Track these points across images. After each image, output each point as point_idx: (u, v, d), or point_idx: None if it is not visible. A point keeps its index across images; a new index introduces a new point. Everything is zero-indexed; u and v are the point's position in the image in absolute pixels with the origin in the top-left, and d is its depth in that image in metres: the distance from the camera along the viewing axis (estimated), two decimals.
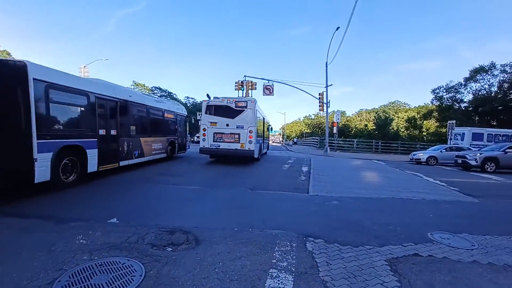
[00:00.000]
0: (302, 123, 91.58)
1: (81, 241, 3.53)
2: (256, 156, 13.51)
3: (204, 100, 13.33)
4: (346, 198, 6.76)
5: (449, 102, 39.00)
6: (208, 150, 12.94)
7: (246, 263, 3.08)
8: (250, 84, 22.53)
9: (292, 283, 2.71)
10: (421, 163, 18.06)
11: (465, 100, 38.11)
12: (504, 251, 3.73)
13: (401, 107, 67.97)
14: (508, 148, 14.24)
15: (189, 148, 17.48)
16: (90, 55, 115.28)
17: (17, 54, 52.95)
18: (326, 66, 24.51)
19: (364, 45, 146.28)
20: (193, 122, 18.27)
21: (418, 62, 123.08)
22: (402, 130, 46.95)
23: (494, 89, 34.67)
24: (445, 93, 39.11)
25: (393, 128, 44.98)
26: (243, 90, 22.35)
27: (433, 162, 17.91)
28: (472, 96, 36.93)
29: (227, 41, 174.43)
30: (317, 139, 37.16)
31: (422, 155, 18.51)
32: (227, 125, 12.74)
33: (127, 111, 9.75)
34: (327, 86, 24.43)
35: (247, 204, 5.93)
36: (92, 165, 7.79)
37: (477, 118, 35.93)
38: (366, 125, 53.47)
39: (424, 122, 45.20)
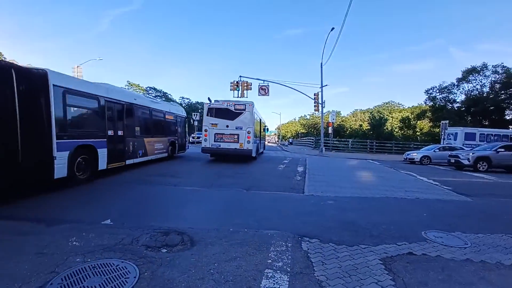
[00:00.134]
0: (297, 123, 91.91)
1: (74, 243, 3.49)
2: (253, 155, 14.50)
3: (205, 103, 14.27)
4: (341, 198, 6.79)
5: (442, 103, 39.54)
6: (209, 149, 13.86)
7: (242, 264, 3.07)
8: (245, 84, 22.50)
9: (288, 283, 2.71)
10: (415, 162, 18.24)
11: (457, 100, 38.74)
12: (496, 249, 3.78)
13: (395, 108, 68.66)
14: (500, 147, 14.49)
15: (188, 148, 18.00)
16: (84, 55, 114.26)
17: (9, 53, 52.15)
18: (321, 67, 24.63)
19: (358, 46, 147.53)
20: (191, 123, 18.45)
21: (412, 63, 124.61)
22: (396, 130, 47.42)
23: (486, 89, 35.28)
24: (438, 94, 39.67)
25: (387, 128, 45.38)
26: (239, 90, 22.30)
27: (427, 162, 18.11)
28: (465, 96, 37.55)
29: (223, 41, 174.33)
30: (312, 139, 37.27)
31: (416, 154, 18.70)
32: (227, 126, 13.68)
33: (132, 113, 10.44)
34: (322, 87, 24.54)
35: (242, 205, 5.91)
36: (102, 163, 8.42)
37: (469, 118, 36.48)
38: (361, 125, 53.92)
39: (418, 122, 45.75)
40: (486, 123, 34.68)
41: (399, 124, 49.08)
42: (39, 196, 5.93)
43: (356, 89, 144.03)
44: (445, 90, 38.76)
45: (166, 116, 13.85)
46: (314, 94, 24.75)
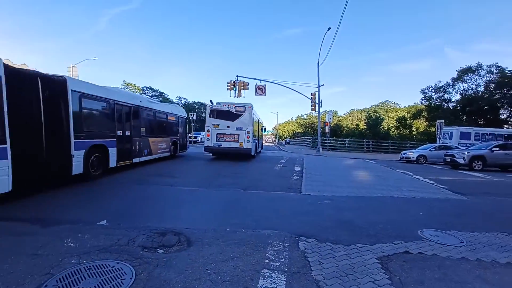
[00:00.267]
0: (294, 123, 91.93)
1: (69, 244, 3.45)
2: (252, 153, 15.54)
3: (208, 105, 15.34)
4: (338, 197, 6.81)
5: (438, 102, 39.78)
6: (211, 148, 14.96)
7: (239, 264, 3.07)
8: (242, 84, 22.46)
9: (285, 283, 2.71)
10: (411, 162, 18.37)
11: (453, 100, 38.97)
12: (491, 248, 3.81)
13: (392, 107, 68.99)
14: (495, 146, 14.63)
15: (189, 148, 18.72)
16: (81, 54, 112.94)
17: (4, 53, 51.56)
18: (318, 66, 24.70)
19: (355, 46, 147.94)
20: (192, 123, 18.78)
21: (408, 62, 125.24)
22: (392, 129, 47.62)
23: (481, 89, 35.53)
24: (434, 93, 39.90)
25: (383, 128, 45.58)
26: (235, 90, 22.25)
27: (423, 161, 18.24)
28: (460, 96, 37.79)
29: (220, 41, 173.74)
30: (309, 139, 37.34)
31: (412, 154, 18.83)
32: (228, 127, 14.71)
33: (138, 114, 11.15)
34: (319, 86, 24.60)
35: (239, 205, 5.90)
36: (113, 161, 9.13)
37: (464, 117, 36.75)
38: (357, 125, 54.00)
39: (414, 121, 45.97)
40: (481, 122, 34.98)
41: (395, 124, 49.28)
42: (35, 197, 5.86)
43: (353, 89, 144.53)
44: (441, 89, 39.02)
45: (169, 117, 14.49)
46: (311, 94, 24.81)
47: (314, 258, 3.30)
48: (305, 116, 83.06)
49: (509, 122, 35.01)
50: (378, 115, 50.08)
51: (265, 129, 30.99)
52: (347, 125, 59.90)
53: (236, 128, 14.68)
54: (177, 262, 3.06)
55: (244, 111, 14.80)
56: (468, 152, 14.79)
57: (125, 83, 54.85)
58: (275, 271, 2.92)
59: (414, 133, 44.55)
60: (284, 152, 26.13)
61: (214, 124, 14.83)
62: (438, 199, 7.10)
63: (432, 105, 39.87)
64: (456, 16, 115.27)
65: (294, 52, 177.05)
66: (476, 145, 17.73)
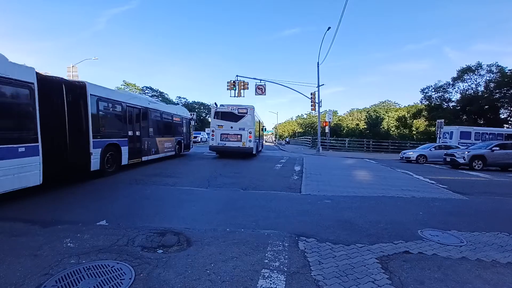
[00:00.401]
0: (294, 122, 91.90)
1: (68, 244, 3.45)
2: (254, 152, 16.61)
3: (212, 108, 16.45)
4: (338, 197, 6.80)
5: (438, 102, 39.79)
6: (216, 147, 15.96)
7: (238, 264, 3.06)
8: (242, 84, 22.44)
9: (284, 283, 2.70)
10: (411, 161, 18.36)
11: (453, 99, 38.99)
12: (492, 247, 3.80)
13: (392, 107, 68.87)
14: (495, 146, 14.60)
15: (192, 147, 19.47)
16: (80, 54, 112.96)
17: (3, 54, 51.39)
18: (318, 66, 24.69)
19: (355, 45, 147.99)
20: (194, 124, 19.14)
21: (408, 62, 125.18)
22: (392, 129, 47.64)
23: (481, 88, 35.54)
24: (434, 93, 39.92)
25: (383, 127, 45.59)
26: (235, 90, 22.23)
27: (423, 161, 18.23)
28: (460, 95, 37.81)
29: (220, 41, 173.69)
30: (309, 139, 37.33)
31: (412, 153, 18.82)
32: (231, 127, 15.67)
33: (147, 116, 11.89)
34: (318, 86, 24.58)
35: (239, 204, 5.89)
36: (125, 159, 9.90)
37: (464, 117, 36.74)
38: (357, 125, 54.00)
39: (414, 121, 45.97)
40: (481, 122, 34.99)
41: (395, 123, 49.28)
42: (34, 197, 5.85)
43: (353, 89, 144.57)
44: (441, 89, 39.03)
45: (174, 118, 15.26)
46: (311, 94, 24.79)
47: (314, 258, 3.29)
48: (305, 116, 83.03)
49: (509, 122, 35.02)
50: (378, 114, 50.06)
51: (265, 129, 31.81)
52: (347, 124, 59.86)
53: (239, 129, 15.58)
54: (177, 262, 3.05)
55: (246, 113, 15.72)
56: (468, 152, 14.79)
57: (125, 83, 54.84)
58: (275, 271, 2.92)
59: (414, 132, 44.53)
60: (284, 151, 26.13)
61: (218, 125, 15.76)
62: (438, 198, 7.10)
63: (432, 104, 39.88)
64: (456, 16, 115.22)
65: (294, 52, 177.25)
66: (476, 144, 17.71)
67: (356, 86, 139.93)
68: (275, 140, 67.16)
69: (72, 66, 23.70)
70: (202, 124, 62.35)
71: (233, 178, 9.26)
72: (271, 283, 2.68)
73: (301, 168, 12.76)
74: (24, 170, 5.66)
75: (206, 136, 42.69)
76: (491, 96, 33.40)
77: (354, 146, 32.39)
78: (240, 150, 15.71)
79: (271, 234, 4.02)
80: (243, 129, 15.62)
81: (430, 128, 39.19)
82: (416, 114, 43.49)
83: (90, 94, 8.02)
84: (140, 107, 11.28)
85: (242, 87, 22.41)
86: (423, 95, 41.16)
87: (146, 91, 57.88)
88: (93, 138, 8.00)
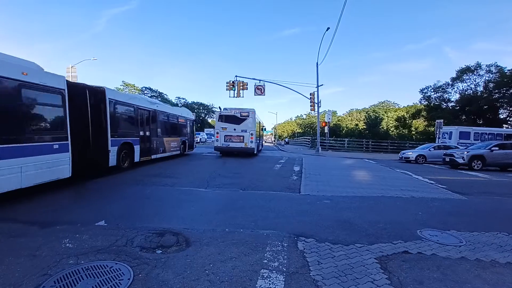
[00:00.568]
0: (293, 123, 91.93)
1: (67, 245, 3.44)
2: (255, 152, 17.99)
3: (217, 111, 17.92)
4: (337, 197, 6.80)
5: (437, 102, 39.86)
6: (220, 148, 17.29)
7: (237, 264, 3.06)
8: (241, 84, 22.44)
9: (283, 283, 2.70)
10: (411, 161, 18.36)
11: (452, 99, 39.07)
12: (491, 247, 3.80)
13: (391, 107, 68.94)
14: (494, 146, 14.61)
15: (195, 147, 20.47)
16: (79, 55, 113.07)
17: None
18: (317, 66, 24.69)
19: (354, 46, 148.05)
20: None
21: (407, 62, 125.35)
22: (392, 129, 47.67)
23: (480, 88, 35.60)
24: (433, 93, 39.99)
25: (383, 128, 45.62)
26: (235, 90, 22.22)
27: (422, 161, 18.24)
28: (459, 95, 37.87)
29: (219, 41, 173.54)
30: (308, 139, 37.33)
31: (411, 153, 18.83)
32: (234, 129, 16.94)
33: (156, 117, 12.86)
34: (318, 86, 24.59)
35: (238, 205, 5.89)
36: (137, 156, 10.94)
37: (464, 117, 36.79)
38: (356, 125, 54.04)
39: (413, 121, 46.02)
40: (481, 122, 35.01)
41: (394, 123, 49.34)
42: (33, 197, 5.84)
43: (352, 89, 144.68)
44: (440, 89, 39.09)
45: (179, 120, 16.25)
46: (310, 94, 24.80)
47: (313, 258, 3.29)
48: (304, 116, 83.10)
49: (509, 122, 35.07)
50: (377, 115, 50.10)
51: (265, 129, 32.90)
52: (346, 125, 59.90)
53: (242, 131, 16.87)
54: (176, 263, 3.05)
55: (248, 116, 16.96)
56: (467, 152, 14.80)
57: (124, 84, 54.80)
58: (274, 271, 2.91)
59: (413, 132, 44.56)
60: (283, 152, 26.12)
61: (222, 127, 17.02)
62: (438, 198, 7.10)
63: (431, 104, 39.94)
64: (456, 15, 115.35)
65: (293, 52, 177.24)
66: (475, 144, 17.72)
67: (356, 86, 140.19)
68: (274, 141, 67.09)
69: (71, 67, 23.67)
70: (201, 125, 62.30)
71: (232, 178, 9.25)
72: (270, 283, 2.67)
73: (300, 168, 12.76)
74: (58, 164, 6.60)
75: (206, 137, 42.65)
76: (490, 96, 33.45)
77: (353, 146, 32.38)
78: (243, 150, 16.95)
79: (270, 234, 4.02)
80: (245, 131, 16.80)
81: (429, 128, 39.24)
82: (415, 114, 43.56)
83: (108, 98, 9.02)
84: (150, 110, 12.24)
85: (241, 87, 22.41)
86: (422, 95, 41.28)
87: (145, 92, 57.82)
88: (111, 137, 9.00)
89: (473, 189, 8.61)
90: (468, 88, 37.02)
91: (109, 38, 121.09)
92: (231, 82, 22.43)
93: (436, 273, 3.01)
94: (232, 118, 17.07)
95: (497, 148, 14.46)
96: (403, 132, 44.43)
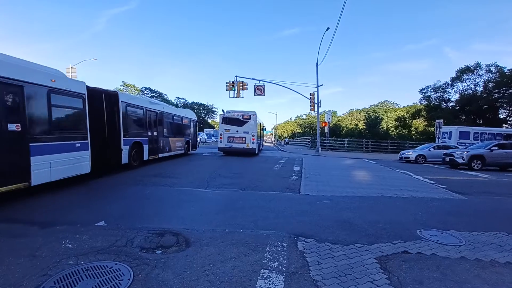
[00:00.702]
0: (293, 123, 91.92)
1: (67, 245, 3.44)
2: (256, 152, 19.04)
3: (220, 114, 18.79)
4: (337, 197, 6.80)
5: (437, 102, 39.86)
6: (224, 148, 18.36)
7: (237, 264, 3.06)
8: (241, 84, 22.42)
9: (283, 283, 2.70)
10: (410, 161, 18.37)
11: (452, 99, 39.07)
12: (490, 247, 3.81)
13: (391, 107, 68.95)
14: (494, 146, 14.62)
15: (198, 147, 21.34)
16: (79, 55, 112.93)
17: None
18: (317, 66, 24.69)
19: (353, 46, 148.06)
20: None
21: (407, 62, 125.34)
22: (391, 129, 47.68)
23: (480, 88, 35.60)
24: (432, 93, 40.00)
25: (383, 128, 45.65)
26: (234, 90, 22.21)
27: (422, 161, 18.24)
28: (459, 95, 37.88)
29: (218, 42, 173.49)
30: (308, 139, 37.32)
31: (411, 153, 18.83)
32: (237, 131, 18.04)
33: (162, 118, 13.65)
34: (318, 86, 24.59)
35: (238, 205, 5.89)
36: (146, 155, 11.71)
37: (463, 117, 36.79)
38: (356, 125, 54.04)
39: (413, 121, 46.03)
40: (480, 122, 35.01)
41: (394, 123, 49.35)
42: (33, 198, 5.84)
43: (352, 89, 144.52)
44: (440, 89, 39.10)
45: (183, 121, 17.05)
46: (310, 94, 24.79)
47: (313, 258, 3.29)
48: (304, 116, 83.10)
49: (508, 122, 35.06)
50: (377, 115, 50.14)
51: (265, 129, 33.65)
52: (346, 125, 59.89)
53: (244, 132, 17.93)
54: (175, 263, 3.05)
55: (249, 118, 18.04)
56: (467, 152, 14.80)
57: (124, 84, 54.76)
58: (274, 272, 2.92)
59: (413, 132, 44.57)
60: (283, 152, 26.12)
61: (225, 129, 18.10)
62: (437, 198, 7.10)
63: (431, 104, 39.95)
64: (456, 16, 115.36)
65: (293, 52, 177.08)
66: (475, 144, 17.73)
67: (355, 86, 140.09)
68: (274, 141, 67.07)
69: (71, 67, 23.68)
70: (201, 125, 62.28)
71: (232, 178, 9.25)
72: (270, 284, 2.68)
73: (300, 168, 12.76)
74: (80, 161, 7.35)
75: (206, 137, 42.64)
76: (490, 96, 33.45)
77: (353, 146, 32.38)
78: (245, 151, 18.08)
79: (270, 234, 4.02)
80: (247, 133, 17.88)
81: (429, 128, 39.25)
82: (415, 114, 43.57)
83: (121, 101, 9.84)
84: (157, 111, 13.03)
85: (241, 87, 22.40)
86: (422, 95, 41.28)
87: (145, 92, 57.81)
88: (123, 137, 9.79)
89: (473, 189, 8.61)
90: (468, 88, 37.06)
91: (109, 38, 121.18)
92: (231, 82, 22.42)
93: (435, 273, 3.01)
94: (235, 121, 18.04)
95: (496, 148, 14.47)
96: (403, 132, 44.44)
